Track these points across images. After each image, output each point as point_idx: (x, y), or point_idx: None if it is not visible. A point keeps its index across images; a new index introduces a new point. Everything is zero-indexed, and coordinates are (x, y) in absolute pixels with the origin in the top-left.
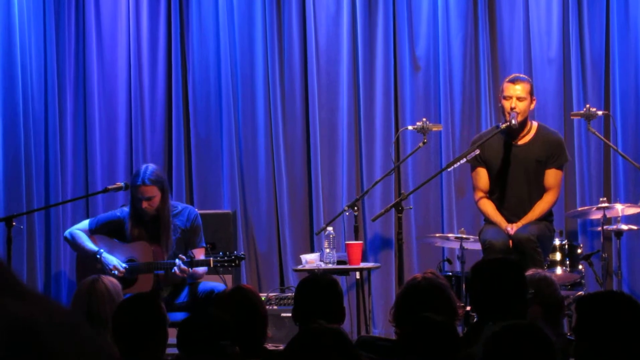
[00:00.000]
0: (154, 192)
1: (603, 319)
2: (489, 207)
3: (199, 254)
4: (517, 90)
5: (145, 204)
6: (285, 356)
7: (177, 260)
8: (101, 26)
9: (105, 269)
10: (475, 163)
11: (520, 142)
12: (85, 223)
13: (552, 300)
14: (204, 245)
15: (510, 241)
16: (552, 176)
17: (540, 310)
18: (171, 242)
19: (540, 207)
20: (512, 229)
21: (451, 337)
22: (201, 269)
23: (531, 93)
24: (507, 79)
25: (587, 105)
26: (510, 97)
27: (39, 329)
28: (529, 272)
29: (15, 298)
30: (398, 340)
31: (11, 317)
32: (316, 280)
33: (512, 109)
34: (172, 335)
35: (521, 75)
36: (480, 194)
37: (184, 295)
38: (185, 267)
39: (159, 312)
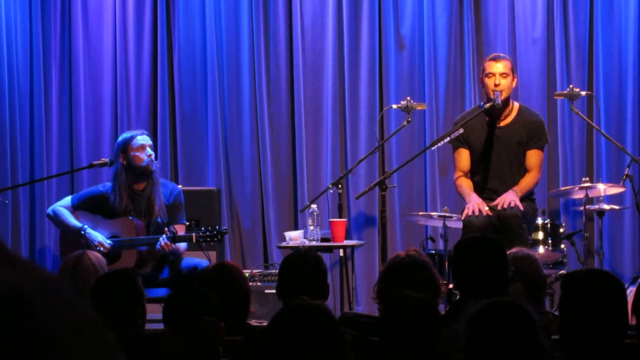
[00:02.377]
0: (151, 142)
1: (588, 296)
2: (464, 184)
3: (180, 231)
4: (500, 67)
5: (146, 156)
6: (268, 332)
7: (162, 236)
8: (87, 2)
9: (90, 244)
10: (457, 144)
11: (502, 124)
12: (67, 199)
13: (535, 279)
14: (185, 222)
15: (487, 215)
16: (533, 157)
17: (522, 288)
18: (156, 216)
19: (524, 184)
20: (482, 211)
21: (431, 313)
22: (182, 246)
23: (513, 71)
24: (488, 58)
25: (571, 86)
26: (493, 75)
27: (27, 296)
28: (512, 250)
29: (0, 263)
30: (380, 317)
31: None
32: (301, 257)
33: (495, 85)
34: (157, 311)
35: (502, 54)
36: (459, 173)
37: (166, 272)
38: (169, 243)
39: (135, 288)
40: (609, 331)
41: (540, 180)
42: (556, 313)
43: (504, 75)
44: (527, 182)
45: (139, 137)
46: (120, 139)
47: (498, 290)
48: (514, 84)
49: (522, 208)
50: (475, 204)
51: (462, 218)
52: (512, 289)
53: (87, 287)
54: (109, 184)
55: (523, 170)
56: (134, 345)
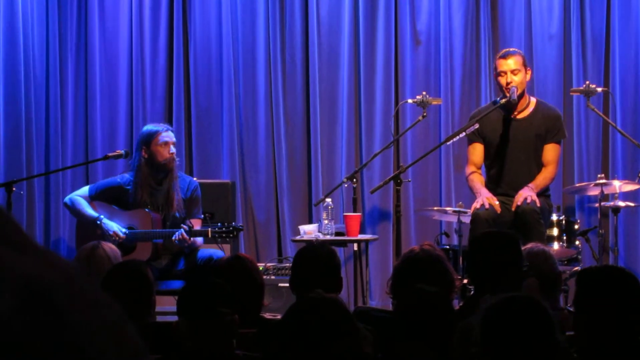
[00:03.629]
0: (174, 139)
1: (603, 292)
2: (475, 179)
3: (196, 225)
4: (510, 64)
5: (168, 154)
6: (282, 325)
7: (179, 230)
8: None
9: (105, 234)
10: (473, 138)
11: (519, 117)
12: (85, 189)
13: (550, 274)
14: (201, 216)
15: (495, 210)
16: (550, 151)
17: (536, 284)
18: (174, 211)
19: (540, 179)
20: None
21: (445, 308)
22: (199, 239)
23: (525, 65)
24: (498, 55)
25: (587, 82)
26: (505, 73)
27: (50, 289)
28: (528, 246)
29: (17, 250)
30: (395, 312)
31: (19, 276)
32: (314, 250)
33: (508, 83)
34: (172, 303)
35: (511, 49)
36: (472, 168)
37: (182, 264)
38: (187, 236)
39: (146, 279)
40: (623, 327)
41: (556, 177)
42: (571, 309)
43: (516, 71)
44: (543, 177)
45: (164, 134)
46: (144, 130)
47: (512, 286)
48: (528, 76)
49: (539, 204)
50: (484, 198)
51: (471, 211)
52: (526, 285)
53: (101, 278)
54: (126, 176)
55: (540, 164)
56: (145, 336)
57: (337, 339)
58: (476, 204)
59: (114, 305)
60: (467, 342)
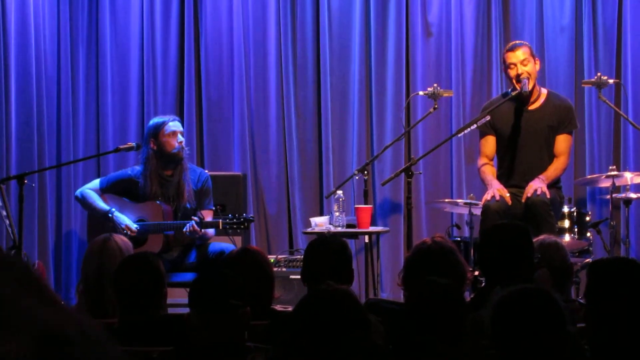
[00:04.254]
0: (182, 129)
1: (615, 284)
2: (487, 171)
3: (207, 216)
4: (519, 55)
5: (177, 143)
6: (293, 317)
7: (190, 221)
8: None
9: (117, 228)
10: (485, 130)
11: (531, 108)
12: (96, 182)
13: (561, 266)
14: (212, 207)
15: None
16: (562, 142)
17: (548, 275)
18: (185, 202)
19: (552, 171)
20: (496, 197)
21: (457, 299)
22: (210, 231)
23: (533, 55)
24: (505, 49)
25: (599, 74)
26: (514, 65)
27: (70, 341)
28: (539, 237)
29: (42, 303)
30: (406, 303)
31: (41, 325)
32: (326, 242)
33: (519, 75)
34: (183, 295)
35: (517, 42)
36: (484, 160)
37: (193, 256)
38: (198, 228)
39: (157, 271)
40: (635, 319)
41: (567, 168)
42: (582, 301)
43: (525, 61)
44: (554, 168)
45: (170, 124)
46: (151, 123)
47: (523, 277)
48: (538, 66)
49: (549, 195)
50: (495, 189)
51: (481, 203)
52: (537, 276)
53: (113, 270)
54: (137, 168)
55: (552, 155)
56: (157, 327)
57: (348, 331)
58: (487, 196)
59: (123, 357)
60: (478, 334)
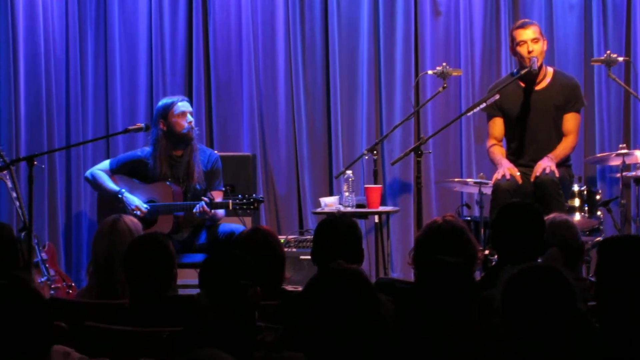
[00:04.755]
0: (191, 109)
1: (626, 262)
2: (496, 151)
3: (217, 197)
4: (529, 33)
5: (186, 123)
6: (304, 296)
7: (200, 202)
8: None
9: (127, 209)
10: (492, 112)
11: (537, 88)
12: (105, 163)
13: (572, 244)
14: (222, 188)
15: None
16: (570, 120)
17: (559, 254)
18: (195, 183)
19: (560, 150)
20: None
21: (467, 278)
22: (220, 211)
23: (542, 34)
24: (515, 26)
25: (608, 52)
26: (525, 42)
27: None
28: (550, 216)
29: None
30: (416, 282)
31: None
32: (336, 222)
33: (529, 52)
34: (193, 276)
35: (527, 20)
36: (492, 141)
37: (203, 237)
38: (208, 209)
39: (167, 251)
40: None
41: (576, 146)
42: (593, 279)
43: (535, 40)
44: (563, 147)
45: (179, 104)
46: (160, 104)
47: (534, 256)
48: (545, 47)
49: (557, 174)
50: (505, 168)
51: (492, 182)
52: (548, 254)
53: (123, 251)
54: (147, 149)
55: (560, 134)
56: (167, 308)
57: (358, 310)
58: (497, 175)
59: None
60: (488, 312)
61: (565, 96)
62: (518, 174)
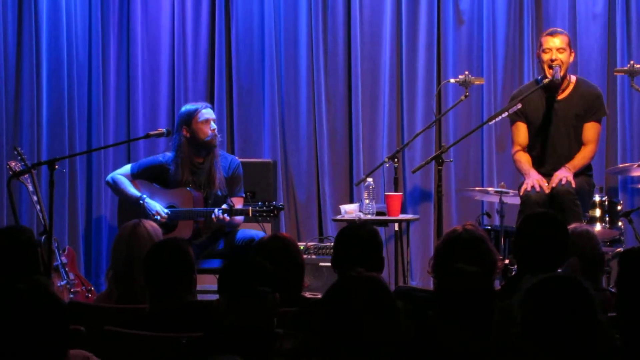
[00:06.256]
0: (214, 116)
1: None
2: (523, 159)
3: (238, 203)
4: (557, 42)
5: (210, 131)
6: (323, 302)
7: (216, 209)
8: None
9: (147, 214)
10: (515, 117)
11: (559, 97)
12: (127, 168)
13: (593, 255)
14: (243, 195)
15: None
16: (590, 130)
17: (578, 264)
18: (216, 189)
19: (578, 159)
20: (543, 187)
21: (487, 287)
22: (239, 218)
23: (570, 45)
24: (545, 33)
25: (632, 62)
26: (550, 50)
27: None
28: (571, 226)
29: None
30: (436, 291)
31: None
32: (357, 229)
33: (552, 60)
34: (212, 282)
35: (559, 29)
36: (517, 147)
37: (222, 243)
38: (223, 216)
39: (187, 257)
40: None
41: (598, 157)
42: (613, 290)
43: (561, 50)
44: (582, 156)
45: (203, 111)
46: (183, 110)
47: (554, 267)
48: (572, 59)
49: (574, 185)
50: (534, 180)
51: (521, 193)
52: (568, 265)
53: (143, 256)
54: (168, 155)
55: (581, 144)
56: (186, 313)
57: (377, 318)
58: (527, 186)
59: None
60: (508, 322)
61: (586, 105)
62: (546, 185)
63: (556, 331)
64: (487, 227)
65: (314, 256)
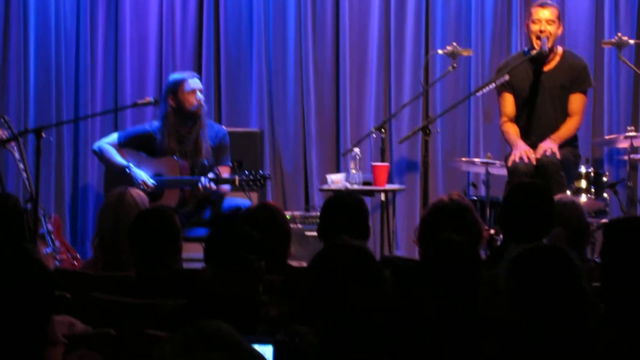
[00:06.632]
0: (201, 86)
1: (632, 243)
2: (511, 130)
3: (224, 172)
4: (546, 14)
5: (196, 101)
6: (309, 270)
7: (202, 178)
8: None
9: (134, 183)
10: (502, 89)
11: (546, 69)
12: (114, 136)
13: (578, 225)
14: (229, 164)
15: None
16: (576, 101)
17: (564, 234)
18: (202, 158)
19: (563, 131)
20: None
21: (472, 257)
22: (226, 187)
23: (559, 18)
24: (535, 4)
25: (619, 34)
26: (540, 21)
27: None
28: (556, 196)
29: None
30: (421, 260)
31: None
32: (343, 197)
33: (541, 32)
34: (198, 251)
35: (549, 1)
36: (505, 119)
37: (208, 212)
38: (210, 185)
39: (173, 225)
40: None
41: (584, 128)
42: (598, 260)
43: (550, 22)
44: (566, 128)
45: (190, 81)
46: (170, 80)
47: (539, 236)
48: (560, 32)
49: (559, 156)
50: (522, 151)
51: (509, 164)
52: (553, 235)
53: (129, 224)
54: (155, 124)
55: (566, 115)
56: (172, 280)
57: (362, 285)
58: (514, 157)
59: None
60: (493, 291)
61: (571, 77)
62: (533, 156)
63: (541, 301)
64: (473, 197)
65: (300, 225)
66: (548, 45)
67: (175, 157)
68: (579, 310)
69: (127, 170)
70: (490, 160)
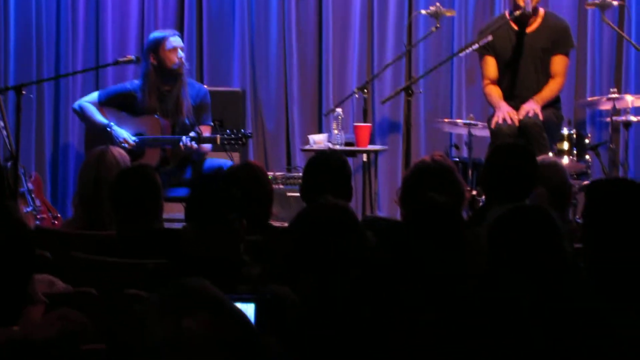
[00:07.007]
0: (182, 44)
1: (613, 204)
2: (493, 92)
3: (205, 131)
4: None
5: (177, 59)
6: (290, 229)
7: (184, 137)
8: None
9: (115, 141)
10: (483, 52)
11: (528, 31)
12: (94, 95)
13: (560, 186)
14: (211, 123)
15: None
16: (558, 63)
17: (546, 195)
18: (183, 117)
19: (546, 92)
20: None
21: (455, 217)
22: (207, 146)
23: None
24: None
25: None
26: None
27: None
28: (539, 157)
29: None
30: (403, 221)
31: None
32: (326, 157)
33: None
34: (179, 210)
35: None
36: (487, 81)
37: (190, 171)
38: (191, 144)
39: (154, 182)
40: (632, 239)
41: (567, 90)
42: (580, 221)
43: None
44: (549, 89)
45: (171, 39)
46: (151, 38)
47: (521, 197)
48: None
49: (541, 117)
50: (505, 112)
51: (492, 126)
52: (535, 195)
53: (110, 182)
54: (136, 82)
55: (549, 77)
56: (153, 239)
57: (344, 244)
58: (498, 119)
59: None
60: (475, 250)
61: (553, 38)
62: (516, 117)
63: (523, 260)
64: (455, 159)
65: (281, 186)
66: (532, 5)
67: (156, 116)
68: (560, 270)
69: (108, 128)
70: (472, 122)
